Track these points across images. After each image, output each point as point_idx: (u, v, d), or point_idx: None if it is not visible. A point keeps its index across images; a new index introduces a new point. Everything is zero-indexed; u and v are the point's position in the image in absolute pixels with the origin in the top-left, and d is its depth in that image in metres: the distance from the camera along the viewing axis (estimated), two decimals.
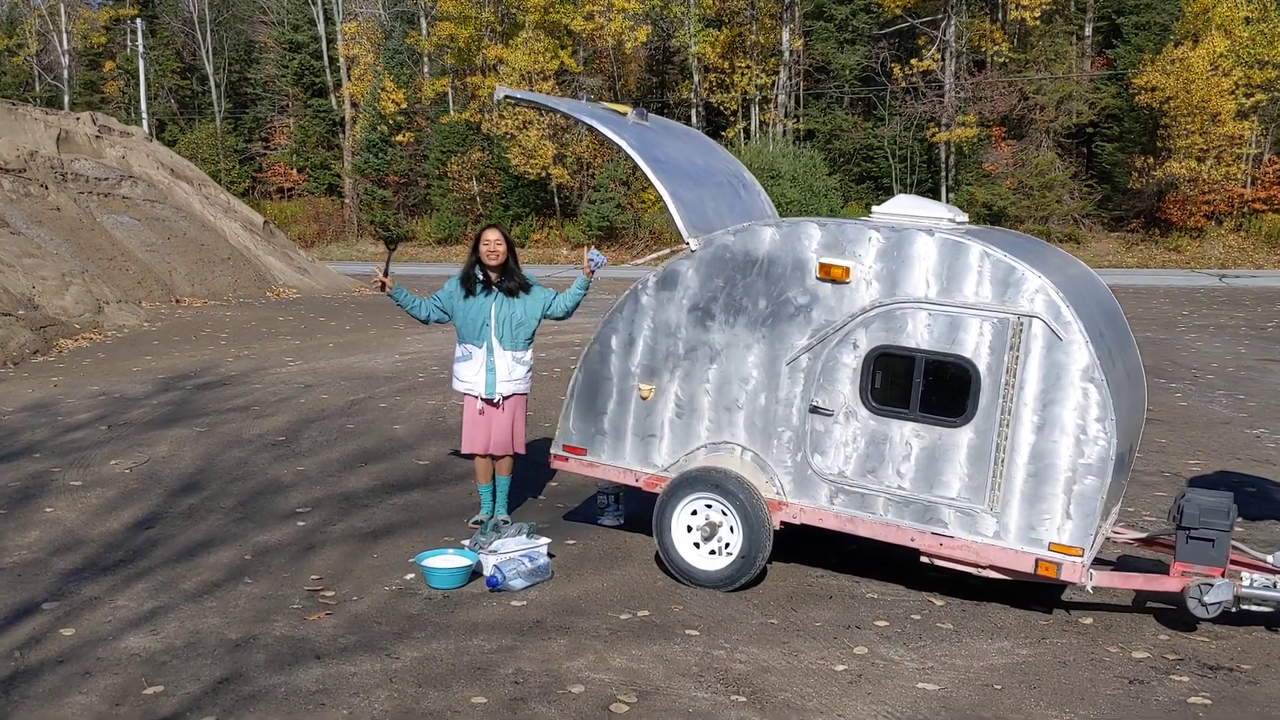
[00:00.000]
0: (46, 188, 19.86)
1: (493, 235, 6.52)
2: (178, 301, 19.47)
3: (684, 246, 5.79)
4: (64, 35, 50.38)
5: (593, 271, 6.38)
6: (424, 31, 44.50)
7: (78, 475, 7.92)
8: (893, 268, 5.32)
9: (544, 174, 38.87)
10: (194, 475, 7.93)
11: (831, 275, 5.41)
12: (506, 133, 38.98)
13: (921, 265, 5.26)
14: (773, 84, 40.05)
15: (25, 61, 50.65)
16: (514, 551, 5.80)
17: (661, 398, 5.88)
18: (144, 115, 44.00)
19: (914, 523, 5.34)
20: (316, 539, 6.52)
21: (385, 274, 6.56)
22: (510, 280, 6.53)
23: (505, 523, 6.74)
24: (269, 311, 18.67)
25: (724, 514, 5.65)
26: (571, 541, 6.48)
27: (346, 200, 45.38)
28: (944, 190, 38.56)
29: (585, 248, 6.35)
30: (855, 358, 5.40)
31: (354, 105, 46.27)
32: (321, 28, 48.06)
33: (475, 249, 6.55)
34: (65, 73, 50.33)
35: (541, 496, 7.54)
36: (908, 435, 5.31)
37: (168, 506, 7.16)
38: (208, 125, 48.78)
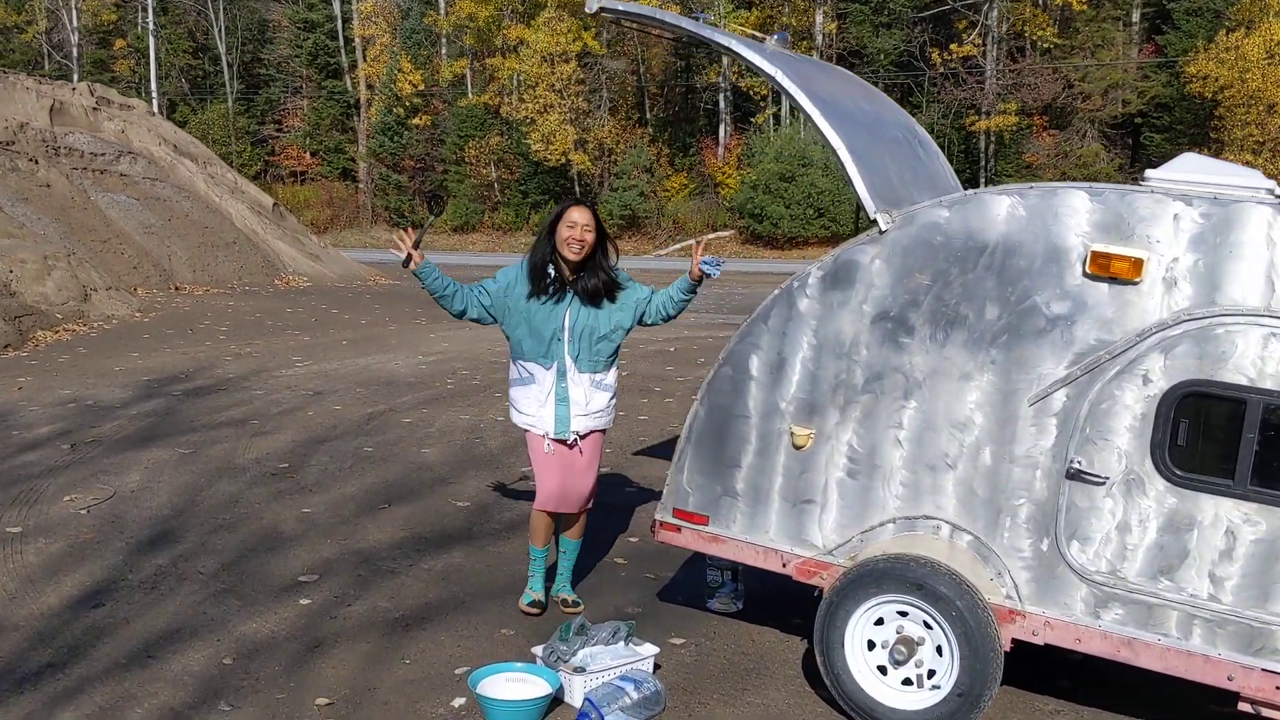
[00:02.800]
0: (36, 162, 18.10)
1: (581, 216, 4.59)
2: (176, 289, 17.71)
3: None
4: (74, 12, 48.82)
5: (703, 274, 4.55)
6: (442, 11, 42.89)
7: (19, 516, 6.15)
8: (1212, 260, 3.49)
9: (564, 160, 37.29)
10: (168, 519, 6.14)
11: (1111, 271, 3.58)
12: (526, 117, 37.36)
13: (1261, 256, 3.43)
14: None
15: (34, 39, 49.09)
16: (610, 669, 3.99)
17: (826, 447, 4.06)
18: (154, 95, 42.63)
19: (1234, 653, 3.51)
20: (325, 629, 4.72)
21: (416, 245, 4.65)
22: (593, 277, 4.66)
23: (576, 604, 4.94)
24: (276, 302, 16.90)
25: (927, 627, 3.83)
26: (678, 641, 4.65)
27: (361, 185, 43.85)
28: (982, 182, 36.92)
29: (697, 243, 4.48)
30: (1145, 398, 3.57)
31: (369, 87, 44.72)
32: (337, 6, 46.54)
33: (550, 233, 4.63)
34: (74, 50, 48.77)
35: (621, 560, 5.71)
36: (1230, 519, 3.49)
37: (128, 569, 5.38)
38: (219, 106, 47.35)
